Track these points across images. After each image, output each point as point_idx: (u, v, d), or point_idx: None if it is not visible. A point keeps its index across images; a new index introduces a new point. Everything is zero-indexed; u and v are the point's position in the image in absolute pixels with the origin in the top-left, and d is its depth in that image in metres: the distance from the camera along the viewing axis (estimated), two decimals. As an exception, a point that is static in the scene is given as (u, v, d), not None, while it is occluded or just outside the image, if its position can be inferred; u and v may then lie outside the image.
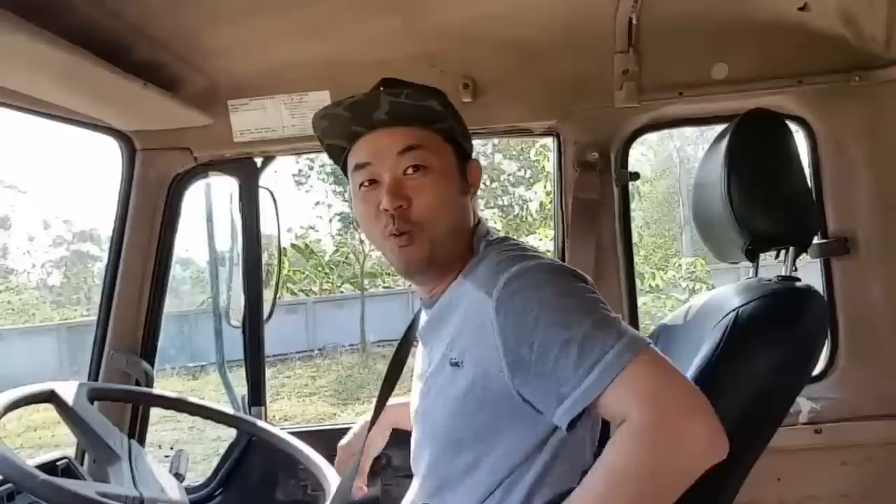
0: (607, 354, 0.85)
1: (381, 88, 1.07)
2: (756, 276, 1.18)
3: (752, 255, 1.15)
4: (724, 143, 1.13)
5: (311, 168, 14.83)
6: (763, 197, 1.11)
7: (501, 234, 1.15)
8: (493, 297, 0.95)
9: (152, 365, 1.74)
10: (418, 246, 1.04)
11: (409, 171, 1.04)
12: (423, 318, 1.18)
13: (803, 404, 1.61)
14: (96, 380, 1.71)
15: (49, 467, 1.32)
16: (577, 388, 0.87)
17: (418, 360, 1.21)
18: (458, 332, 1.03)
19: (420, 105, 1.04)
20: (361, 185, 1.07)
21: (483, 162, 10.66)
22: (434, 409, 1.07)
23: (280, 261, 1.97)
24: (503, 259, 1.00)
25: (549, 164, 3.08)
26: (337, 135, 1.10)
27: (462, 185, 1.09)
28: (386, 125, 1.05)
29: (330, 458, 1.42)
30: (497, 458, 1.00)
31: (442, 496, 1.06)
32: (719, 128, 1.25)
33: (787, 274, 1.14)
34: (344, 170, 1.16)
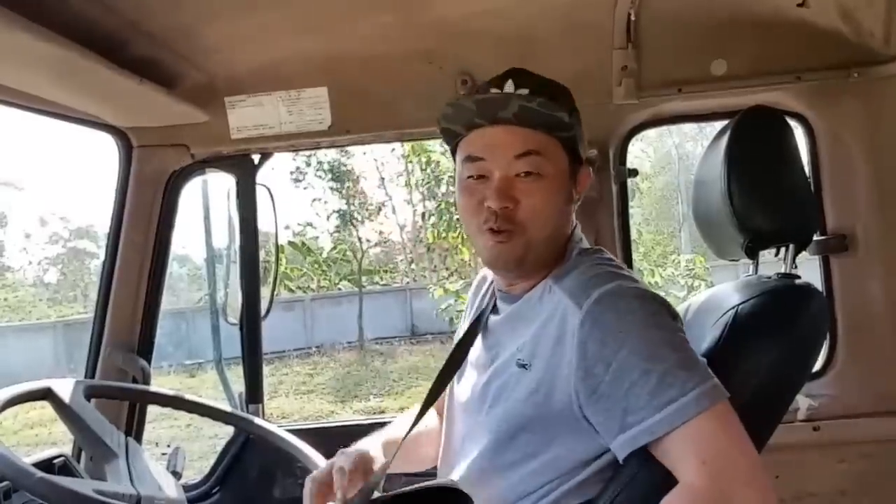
0: (686, 396, 0.86)
1: (510, 79, 1.08)
2: (756, 273, 1.18)
3: (752, 253, 1.15)
4: (725, 140, 1.13)
5: (308, 165, 14.81)
6: (763, 194, 1.10)
7: (591, 244, 1.15)
8: (583, 308, 0.95)
9: (149, 362, 1.73)
10: (513, 246, 1.04)
11: (522, 174, 1.03)
12: (500, 307, 1.17)
13: (801, 401, 1.61)
14: (93, 377, 1.70)
15: (46, 465, 1.32)
16: (645, 420, 0.87)
17: (477, 348, 1.18)
18: (535, 335, 1.02)
19: (549, 114, 1.02)
20: (470, 176, 1.06)
21: None
22: (494, 404, 1.06)
23: (277, 258, 1.97)
24: (599, 273, 0.99)
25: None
26: (457, 121, 1.08)
27: (570, 193, 1.09)
28: (509, 123, 1.03)
29: (328, 455, 1.42)
30: (543, 464, 1.00)
31: (480, 487, 1.05)
32: (718, 124, 1.25)
33: (787, 271, 1.14)
34: (453, 152, 1.15)
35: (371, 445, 1.16)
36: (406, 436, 1.17)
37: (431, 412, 1.32)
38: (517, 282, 1.12)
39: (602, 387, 0.91)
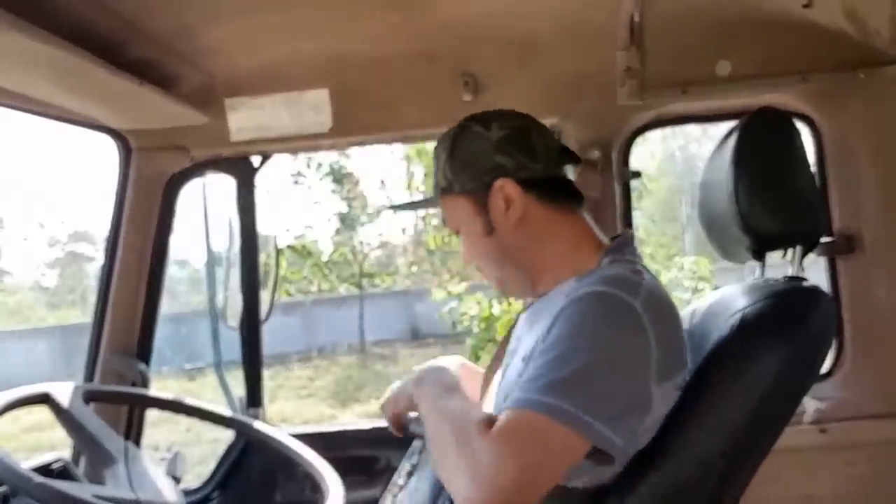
0: (541, 395, 0.88)
1: None
2: (762, 275, 1.17)
3: (759, 255, 1.14)
4: (732, 141, 1.12)
5: (308, 167, 14.82)
6: (771, 196, 1.09)
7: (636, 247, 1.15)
8: (568, 299, 0.97)
9: (148, 366, 1.72)
10: (492, 282, 1.19)
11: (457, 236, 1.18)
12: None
13: (808, 404, 1.60)
14: (92, 381, 1.69)
15: (45, 469, 1.31)
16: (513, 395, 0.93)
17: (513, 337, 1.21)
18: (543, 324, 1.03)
19: (435, 185, 1.16)
20: None
21: None
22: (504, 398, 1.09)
23: (277, 261, 1.96)
24: (601, 278, 0.99)
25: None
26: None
27: (485, 226, 1.12)
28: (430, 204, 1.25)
29: (328, 459, 1.41)
30: None
31: None
32: (723, 125, 1.24)
33: (794, 274, 1.13)
34: None
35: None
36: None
37: None
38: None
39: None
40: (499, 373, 1.18)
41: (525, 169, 1.10)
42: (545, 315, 1.02)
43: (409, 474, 1.20)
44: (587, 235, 1.13)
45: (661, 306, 0.97)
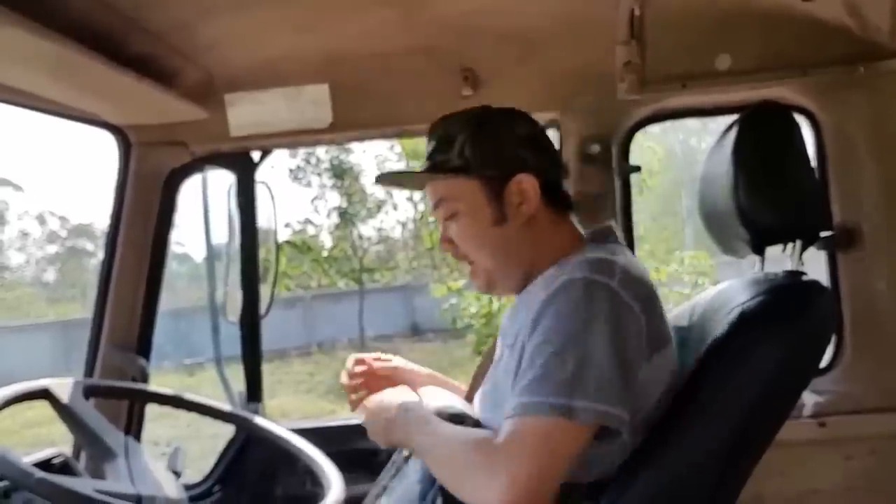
0: (540, 398, 0.91)
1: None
2: (762, 270, 1.17)
3: (759, 249, 1.14)
4: (732, 136, 1.12)
5: (308, 162, 14.79)
6: (771, 190, 1.09)
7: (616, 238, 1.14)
8: (549, 291, 0.97)
9: (148, 361, 1.72)
10: (477, 276, 1.14)
11: (446, 220, 1.13)
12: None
13: (808, 398, 1.60)
14: (91, 376, 1.70)
15: (45, 465, 1.31)
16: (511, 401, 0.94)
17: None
18: (524, 318, 1.04)
19: (442, 162, 1.11)
20: None
21: None
22: (484, 389, 1.14)
23: (277, 256, 1.96)
24: (582, 262, 1.00)
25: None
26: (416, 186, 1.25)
27: (496, 215, 1.09)
28: (421, 181, 1.18)
29: (328, 453, 1.41)
30: None
31: None
32: (722, 119, 1.24)
33: (794, 268, 1.13)
34: None
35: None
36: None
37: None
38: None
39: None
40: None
41: (543, 169, 1.11)
42: (527, 304, 1.04)
43: (393, 476, 1.19)
44: (577, 240, 1.14)
45: (638, 282, 0.99)
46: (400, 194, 14.07)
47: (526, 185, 1.09)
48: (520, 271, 1.11)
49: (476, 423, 1.06)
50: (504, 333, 1.13)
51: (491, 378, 1.13)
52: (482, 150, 1.09)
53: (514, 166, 1.09)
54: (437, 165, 1.12)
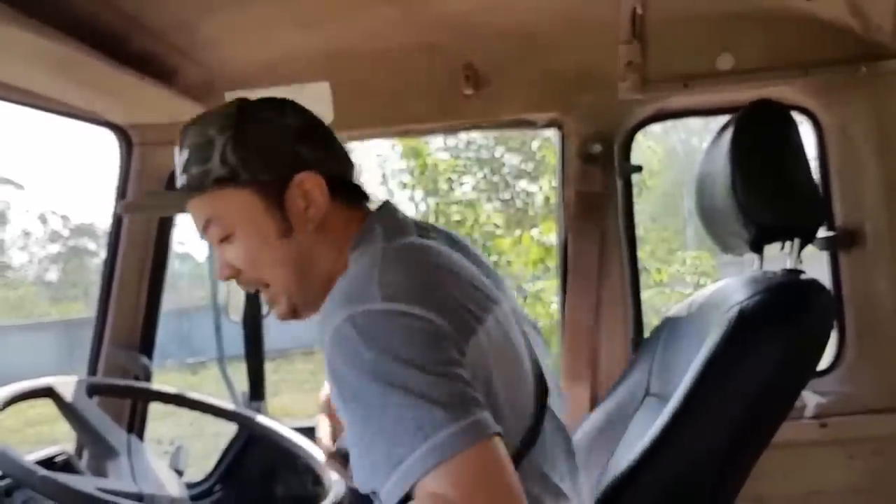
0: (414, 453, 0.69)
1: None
2: (761, 268, 1.17)
3: (758, 248, 1.14)
4: (728, 134, 1.12)
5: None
6: (768, 188, 1.09)
7: (377, 235, 0.91)
8: (325, 344, 0.78)
9: (151, 360, 1.73)
10: (278, 302, 0.95)
11: (220, 242, 0.93)
12: None
13: (809, 398, 1.60)
14: (94, 375, 1.70)
15: (48, 463, 1.31)
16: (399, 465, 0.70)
17: None
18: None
19: (196, 175, 0.91)
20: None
21: (485, 155, 10.37)
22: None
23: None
24: (344, 292, 0.81)
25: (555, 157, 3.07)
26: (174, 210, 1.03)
27: (280, 226, 0.91)
28: (190, 198, 0.94)
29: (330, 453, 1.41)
30: None
31: None
32: (724, 119, 1.24)
33: (793, 266, 1.13)
34: None
35: None
36: None
37: None
38: None
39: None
40: None
41: (326, 163, 0.94)
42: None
43: None
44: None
45: (402, 280, 0.80)
46: (401, 194, 14.06)
47: (309, 184, 0.91)
48: (319, 285, 0.92)
49: None
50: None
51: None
52: (250, 152, 0.90)
53: (292, 166, 0.91)
54: (196, 179, 0.91)
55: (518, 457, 0.82)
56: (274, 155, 0.91)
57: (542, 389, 0.90)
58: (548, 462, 0.88)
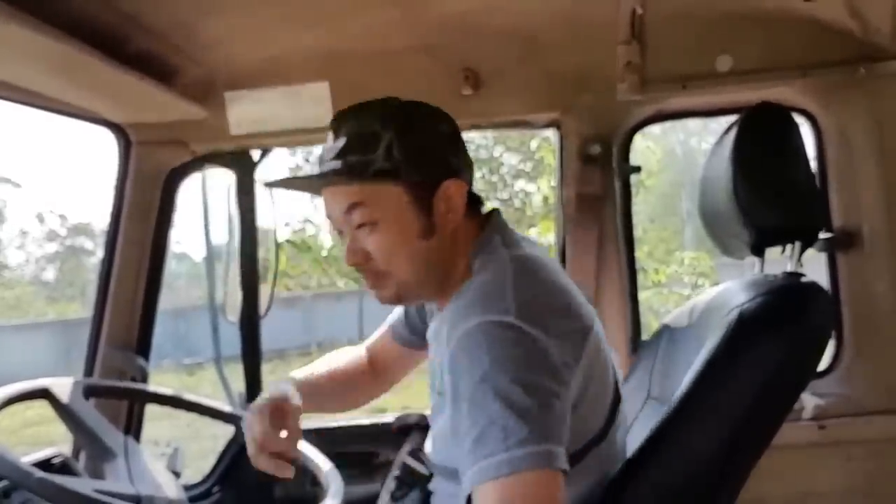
0: (499, 455, 0.79)
1: (332, 130, 1.01)
2: (762, 271, 1.17)
3: (758, 250, 1.14)
4: (731, 137, 1.12)
5: (307, 161, 14.78)
6: (770, 191, 1.09)
7: (497, 243, 1.01)
8: (452, 344, 0.88)
9: (147, 361, 1.72)
10: (387, 289, 1.01)
11: (359, 227, 0.98)
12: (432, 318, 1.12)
13: (807, 400, 1.60)
14: (91, 376, 1.69)
15: (45, 464, 1.31)
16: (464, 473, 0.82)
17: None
18: (443, 362, 0.94)
19: (360, 165, 0.95)
20: (338, 231, 1.03)
21: (483, 155, 10.38)
22: (433, 432, 1.06)
23: (277, 255, 1.96)
24: (474, 301, 0.90)
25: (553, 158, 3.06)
26: (312, 189, 1.06)
27: (424, 226, 0.97)
28: (331, 184, 0.99)
29: (328, 454, 1.41)
30: None
31: None
32: (723, 120, 1.24)
33: (793, 270, 1.13)
34: None
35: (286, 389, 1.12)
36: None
37: (355, 349, 1.41)
38: (437, 300, 1.06)
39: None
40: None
41: (467, 172, 1.01)
42: (442, 340, 0.96)
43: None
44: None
45: (534, 300, 0.89)
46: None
47: (453, 190, 0.98)
48: (437, 283, 1.01)
49: None
50: (433, 365, 1.06)
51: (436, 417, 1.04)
52: (414, 152, 0.96)
53: (443, 171, 0.98)
54: (355, 167, 0.95)
55: (585, 451, 0.95)
56: (431, 158, 0.97)
57: (616, 397, 1.03)
58: (609, 460, 1.01)
